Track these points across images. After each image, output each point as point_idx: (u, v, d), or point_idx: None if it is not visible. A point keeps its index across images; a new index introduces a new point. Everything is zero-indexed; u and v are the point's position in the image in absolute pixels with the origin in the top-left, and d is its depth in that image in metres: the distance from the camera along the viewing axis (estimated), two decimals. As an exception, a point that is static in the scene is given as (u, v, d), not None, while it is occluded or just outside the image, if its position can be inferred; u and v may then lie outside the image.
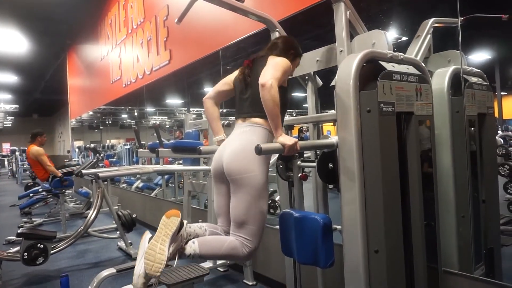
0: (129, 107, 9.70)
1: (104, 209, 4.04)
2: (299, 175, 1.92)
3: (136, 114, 9.44)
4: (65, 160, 10.63)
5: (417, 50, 1.97)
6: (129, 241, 3.80)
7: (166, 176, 5.71)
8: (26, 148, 5.73)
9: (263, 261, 2.91)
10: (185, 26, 3.94)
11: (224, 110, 4.21)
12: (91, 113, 9.88)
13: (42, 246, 3.05)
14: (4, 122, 18.72)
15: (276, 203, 4.08)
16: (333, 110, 1.75)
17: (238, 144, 1.62)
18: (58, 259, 3.67)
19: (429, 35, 2.02)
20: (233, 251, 1.56)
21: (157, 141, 3.46)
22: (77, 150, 11.36)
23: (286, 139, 1.46)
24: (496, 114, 3.47)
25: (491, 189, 2.00)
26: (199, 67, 4.29)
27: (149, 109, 8.24)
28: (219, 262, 2.96)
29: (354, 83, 1.42)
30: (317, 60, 2.04)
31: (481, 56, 2.87)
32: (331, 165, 1.68)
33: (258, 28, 2.87)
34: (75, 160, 10.28)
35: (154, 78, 5.02)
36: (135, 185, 6.46)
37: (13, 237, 4.36)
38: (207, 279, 2.73)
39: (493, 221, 1.99)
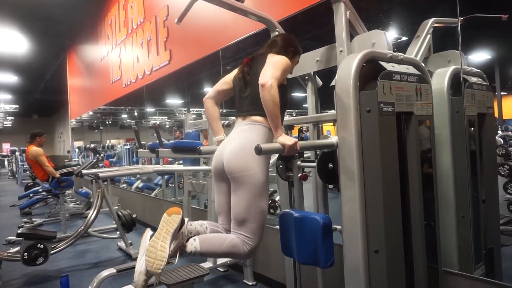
0: (129, 107, 9.70)
1: (104, 209, 4.04)
2: (299, 175, 1.92)
3: (136, 114, 9.44)
4: (65, 160, 10.64)
5: (417, 50, 1.97)
6: (129, 241, 3.80)
7: (166, 176, 5.71)
8: (26, 149, 5.73)
9: (263, 261, 2.91)
10: (185, 26, 3.94)
11: (224, 110, 4.20)
12: (91, 113, 9.87)
13: (42, 246, 3.05)
14: (4, 122, 18.72)
15: (276, 203, 4.08)
16: (333, 110, 1.75)
17: (238, 143, 1.62)
18: (58, 259, 3.68)
19: (429, 35, 2.02)
20: (234, 249, 1.56)
21: (157, 141, 3.46)
22: (77, 150, 11.36)
23: (286, 139, 1.46)
24: (496, 114, 3.47)
25: (491, 189, 2.00)
26: (199, 67, 4.29)
27: (149, 109, 8.24)
28: (219, 262, 2.96)
29: (354, 83, 1.42)
30: (317, 60, 2.04)
31: (481, 56, 2.87)
32: (331, 165, 1.68)
33: (258, 28, 2.87)
34: (75, 160, 10.28)
35: (154, 78, 5.02)
36: (135, 185, 6.46)
37: (13, 237, 4.36)
38: (207, 279, 2.73)
39: (493, 221, 1.99)
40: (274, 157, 2.16)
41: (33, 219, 5.51)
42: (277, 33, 2.06)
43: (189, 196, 3.45)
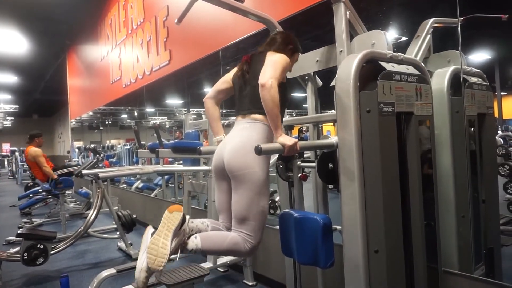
0: (129, 108, 9.69)
1: (104, 210, 4.04)
2: (299, 175, 1.92)
3: (136, 114, 9.43)
4: (65, 161, 10.63)
5: (416, 50, 1.97)
6: (129, 242, 3.80)
7: (166, 177, 5.71)
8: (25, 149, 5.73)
9: (263, 261, 2.91)
10: (185, 27, 3.94)
11: (224, 110, 4.20)
12: (91, 113, 9.87)
13: (42, 246, 3.05)
14: (4, 123, 18.71)
15: (276, 204, 4.08)
16: (333, 110, 1.75)
17: (238, 141, 1.62)
18: (58, 260, 3.67)
19: (428, 35, 2.02)
20: (235, 247, 1.56)
21: (157, 142, 3.46)
22: (77, 150, 11.36)
23: (286, 139, 1.46)
24: (496, 114, 3.47)
25: (491, 189, 2.00)
26: (199, 67, 4.29)
27: (149, 109, 8.24)
28: (219, 262, 2.96)
29: (354, 83, 1.42)
30: (317, 60, 2.04)
31: (480, 56, 2.87)
32: (331, 165, 1.68)
33: (258, 28, 2.87)
34: (75, 161, 10.27)
35: (154, 78, 5.02)
36: (135, 185, 6.46)
37: (13, 238, 4.36)
38: (207, 279, 2.73)
39: (493, 221, 1.99)
40: (274, 157, 2.16)
41: (33, 220, 5.51)
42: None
43: (189, 196, 3.45)
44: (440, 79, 1.87)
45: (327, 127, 5.76)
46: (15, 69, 11.24)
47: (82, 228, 3.48)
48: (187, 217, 1.56)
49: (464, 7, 1.81)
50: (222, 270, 3.16)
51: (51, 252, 3.15)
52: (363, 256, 1.42)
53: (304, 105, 2.37)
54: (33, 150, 5.19)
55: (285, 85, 1.70)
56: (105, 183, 4.09)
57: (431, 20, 2.06)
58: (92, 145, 9.91)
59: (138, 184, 6.46)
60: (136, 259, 3.54)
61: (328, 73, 2.04)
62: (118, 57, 6.37)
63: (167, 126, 10.73)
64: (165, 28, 4.56)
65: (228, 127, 1.79)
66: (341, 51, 1.78)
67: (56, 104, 17.18)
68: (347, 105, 1.43)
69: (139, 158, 6.77)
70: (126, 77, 6.03)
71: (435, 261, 1.64)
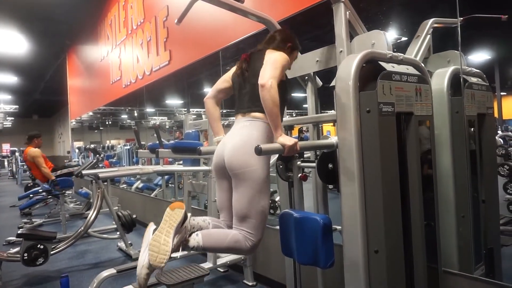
0: (129, 108, 9.69)
1: (104, 210, 4.04)
2: (299, 175, 1.92)
3: (136, 114, 9.43)
4: (65, 161, 10.64)
5: (416, 50, 1.97)
6: (129, 242, 3.80)
7: (166, 177, 5.71)
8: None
9: (263, 261, 2.91)
10: (185, 27, 3.94)
11: (224, 110, 4.21)
12: (91, 113, 9.87)
13: (42, 246, 3.05)
14: (4, 123, 18.72)
15: (276, 204, 4.08)
16: (333, 111, 1.75)
17: (238, 139, 1.62)
18: (58, 260, 3.68)
19: (428, 36, 2.02)
20: (237, 244, 1.56)
21: (157, 142, 3.46)
22: (77, 150, 11.36)
23: (286, 140, 1.46)
24: (496, 114, 3.47)
25: (491, 189, 2.00)
26: (199, 67, 4.29)
27: (149, 109, 8.24)
28: (219, 262, 2.96)
29: (354, 83, 1.42)
30: (317, 61, 2.04)
31: (480, 56, 2.87)
32: (331, 166, 1.68)
33: (257, 28, 2.87)
34: (75, 161, 10.28)
35: (154, 78, 5.02)
36: (135, 185, 6.46)
37: (13, 238, 4.37)
38: (207, 279, 2.73)
39: (493, 221, 1.99)
40: (274, 157, 2.16)
41: (33, 220, 5.52)
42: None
43: (189, 196, 3.45)
44: (440, 79, 1.88)
45: (327, 127, 5.76)
46: (15, 70, 11.24)
47: (82, 228, 3.48)
48: (189, 214, 1.56)
49: (464, 7, 1.81)
50: (222, 270, 3.16)
51: (51, 252, 3.15)
52: (363, 256, 1.42)
53: (304, 105, 2.38)
54: (32, 150, 5.19)
55: (285, 83, 1.70)
56: (105, 183, 4.09)
57: (431, 20, 2.06)
58: (92, 145, 9.91)
59: (138, 184, 6.46)
60: (136, 259, 3.54)
61: (328, 73, 2.04)
62: (118, 57, 6.37)
63: (167, 126, 10.74)
64: (165, 28, 4.56)
65: (228, 127, 1.79)
66: (341, 51, 1.78)
67: (56, 105, 17.18)
68: (347, 105, 1.44)
69: (139, 158, 6.78)
70: (126, 77, 6.03)
71: (435, 261, 1.64)
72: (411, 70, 1.61)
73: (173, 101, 10.17)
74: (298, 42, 1.85)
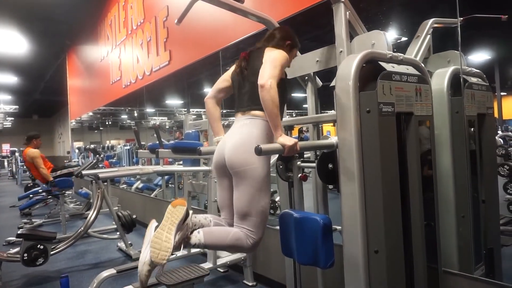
0: (129, 108, 9.70)
1: (104, 210, 4.04)
2: (299, 175, 1.92)
3: (136, 114, 9.44)
4: (65, 161, 10.63)
5: (416, 50, 1.97)
6: (129, 242, 3.80)
7: (166, 177, 5.71)
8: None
9: (263, 261, 2.91)
10: (185, 27, 3.94)
11: (224, 111, 4.21)
12: (91, 114, 9.88)
13: (42, 247, 3.05)
14: (4, 123, 18.72)
15: (276, 204, 4.08)
16: (333, 111, 1.75)
17: (238, 138, 1.62)
18: (58, 260, 3.67)
19: (428, 36, 2.02)
20: (238, 242, 1.57)
21: (157, 142, 3.46)
22: (77, 151, 11.36)
23: (286, 140, 1.46)
24: (496, 115, 3.47)
25: (491, 189, 2.00)
26: (199, 67, 4.29)
27: (149, 109, 8.24)
28: (219, 262, 2.96)
29: (354, 83, 1.42)
30: (317, 61, 2.04)
31: (480, 56, 2.87)
32: (331, 166, 1.68)
33: (257, 29, 2.87)
34: (75, 161, 10.27)
35: (154, 78, 5.02)
36: (135, 185, 6.46)
37: (13, 238, 4.37)
38: (207, 279, 2.73)
39: (493, 221, 1.99)
40: (274, 157, 2.16)
41: (33, 220, 5.52)
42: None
43: (189, 196, 3.45)
44: (440, 79, 1.88)
45: (327, 127, 5.76)
46: (15, 70, 11.25)
47: (82, 228, 3.48)
48: (190, 211, 1.57)
49: (464, 7, 1.81)
50: (222, 271, 3.16)
51: (51, 253, 3.15)
52: (363, 256, 1.42)
53: (304, 105, 2.38)
54: (31, 151, 5.19)
55: (284, 81, 1.70)
56: (105, 183, 4.09)
57: (431, 20, 2.06)
58: (92, 146, 9.90)
59: (138, 184, 6.46)
60: (136, 259, 3.55)
61: (328, 74, 2.05)
62: (118, 57, 6.37)
63: (167, 127, 10.74)
64: (165, 28, 4.56)
65: (228, 127, 1.80)
66: (341, 51, 1.78)
67: (56, 105, 17.18)
68: (347, 105, 1.44)
69: (139, 158, 6.78)
70: (126, 78, 6.03)
71: (435, 261, 1.64)
72: (411, 70, 1.61)
73: (173, 101, 10.17)
74: (297, 40, 1.85)
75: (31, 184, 7.64)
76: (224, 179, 1.71)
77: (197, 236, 1.52)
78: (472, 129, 1.89)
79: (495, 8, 2.14)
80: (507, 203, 3.17)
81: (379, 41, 1.69)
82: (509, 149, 3.31)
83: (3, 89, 13.72)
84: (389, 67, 1.51)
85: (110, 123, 12.40)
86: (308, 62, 2.10)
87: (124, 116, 11.61)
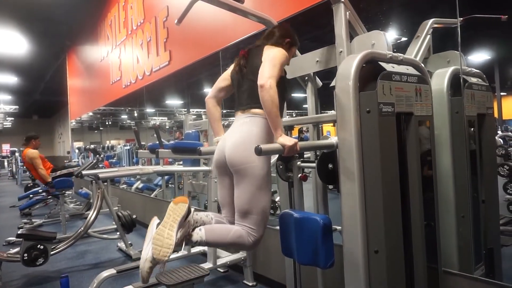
0: (129, 108, 9.70)
1: (104, 210, 4.04)
2: (299, 175, 1.92)
3: (136, 115, 9.44)
4: (65, 161, 10.64)
5: (416, 50, 1.97)
6: (129, 242, 3.80)
7: (166, 177, 5.71)
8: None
9: (263, 261, 2.91)
10: (185, 27, 3.94)
11: (224, 111, 4.21)
12: (91, 114, 9.88)
13: (42, 247, 3.05)
14: (4, 123, 18.72)
15: (276, 204, 4.08)
16: (333, 111, 1.75)
17: (239, 136, 1.63)
18: (58, 260, 3.67)
19: (428, 36, 2.03)
20: (239, 240, 1.57)
21: (157, 142, 3.46)
22: (77, 151, 11.36)
23: (286, 140, 1.46)
24: (496, 115, 3.48)
25: (491, 189, 2.00)
26: (199, 68, 4.29)
27: (149, 110, 8.24)
28: (219, 262, 2.96)
29: (354, 83, 1.42)
30: (317, 61, 2.04)
31: (480, 56, 2.87)
32: (331, 166, 1.68)
33: (257, 29, 2.87)
34: (75, 161, 10.27)
35: (154, 79, 5.02)
36: (135, 186, 6.46)
37: (13, 238, 4.37)
38: (207, 279, 2.73)
39: (493, 221, 1.99)
40: (274, 157, 2.16)
41: (33, 220, 5.51)
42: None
43: (189, 196, 3.45)
44: (440, 79, 1.88)
45: (327, 128, 5.76)
46: (15, 70, 11.25)
47: (82, 228, 3.48)
48: (192, 209, 1.57)
49: (463, 7, 1.81)
50: (222, 271, 3.16)
51: (51, 253, 3.15)
52: (363, 256, 1.42)
53: (304, 106, 2.38)
54: (30, 152, 5.20)
55: (284, 79, 1.71)
56: (105, 183, 4.09)
57: (431, 20, 2.06)
58: (92, 146, 9.90)
59: (138, 184, 6.46)
60: (136, 259, 3.55)
61: (328, 74, 2.05)
62: (118, 57, 6.37)
63: (167, 127, 10.74)
64: (165, 28, 4.56)
65: (228, 127, 1.80)
66: (341, 51, 1.78)
67: (56, 105, 17.18)
68: (347, 105, 1.44)
69: (139, 158, 6.77)
70: (126, 78, 6.03)
71: (435, 261, 1.64)
72: (411, 70, 1.62)
73: (173, 102, 10.17)
74: (297, 37, 1.85)
75: (31, 184, 7.64)
76: (225, 177, 1.71)
77: (199, 234, 1.53)
78: (472, 129, 1.89)
79: (495, 8, 2.14)
80: (507, 203, 3.16)
81: (379, 41, 1.69)
82: (509, 149, 3.31)
83: (3, 89, 13.72)
84: (389, 67, 1.51)
85: (110, 123, 12.40)
86: (308, 62, 2.10)
87: (124, 116, 11.61)
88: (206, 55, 3.75)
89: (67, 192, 5.91)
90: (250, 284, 2.86)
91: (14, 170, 15.14)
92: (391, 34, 2.52)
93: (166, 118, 10.75)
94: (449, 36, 2.04)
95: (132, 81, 5.79)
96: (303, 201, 1.98)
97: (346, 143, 1.46)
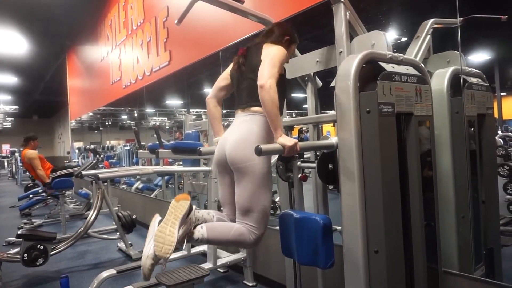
0: (129, 108, 9.70)
1: (104, 210, 4.04)
2: (299, 176, 1.92)
3: (136, 115, 9.45)
4: (65, 161, 10.64)
5: (416, 50, 1.97)
6: (129, 242, 3.80)
7: (166, 177, 5.71)
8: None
9: (263, 262, 2.91)
10: (185, 27, 3.94)
11: (224, 111, 4.21)
12: (91, 114, 9.88)
13: (42, 247, 3.05)
14: (4, 123, 18.72)
15: (276, 204, 4.08)
16: (333, 111, 1.75)
17: (239, 134, 1.63)
18: (58, 260, 3.67)
19: (428, 36, 2.03)
20: (241, 237, 1.57)
21: (157, 142, 3.46)
22: (77, 151, 11.36)
23: (286, 140, 1.46)
24: (496, 115, 3.48)
25: (491, 190, 2.00)
26: (199, 68, 4.29)
27: (149, 110, 8.25)
28: (219, 263, 2.96)
29: (354, 84, 1.42)
30: (317, 61, 2.04)
31: (480, 56, 2.88)
32: (331, 166, 1.68)
33: (257, 29, 2.87)
34: (75, 161, 10.28)
35: (154, 79, 5.02)
36: (135, 186, 6.46)
37: (13, 238, 4.36)
38: (207, 280, 2.73)
39: (493, 222, 1.99)
40: (274, 158, 2.16)
41: (33, 220, 5.51)
42: None
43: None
44: (440, 79, 1.88)
45: (327, 128, 5.76)
46: (15, 70, 11.25)
47: (82, 228, 3.48)
48: (194, 206, 1.57)
49: (463, 7, 1.81)
50: (222, 271, 3.16)
51: (51, 253, 3.15)
52: (363, 256, 1.42)
53: (304, 106, 2.38)
54: (29, 152, 5.21)
55: (283, 77, 1.71)
56: (105, 183, 4.09)
57: (431, 20, 2.06)
58: (92, 146, 9.91)
59: (138, 184, 6.46)
60: (136, 259, 3.55)
61: (328, 74, 2.05)
62: (118, 57, 6.37)
63: (167, 127, 10.75)
64: (165, 28, 4.56)
65: (228, 127, 1.80)
66: (341, 51, 1.78)
67: (56, 105, 17.18)
68: (347, 105, 1.44)
69: (139, 158, 6.78)
70: (126, 78, 6.03)
71: (435, 262, 1.64)
72: (411, 70, 1.62)
73: (173, 102, 10.18)
74: (296, 35, 1.85)
75: (31, 184, 7.65)
76: (225, 176, 1.72)
77: (200, 231, 1.53)
78: (472, 129, 1.89)
79: (495, 8, 2.14)
80: (507, 203, 3.17)
81: (379, 42, 1.69)
82: (509, 149, 3.31)
83: (3, 89, 13.72)
84: (389, 67, 1.51)
85: (110, 123, 12.41)
86: (308, 63, 2.10)
87: (124, 117, 11.62)
88: (206, 55, 3.75)
89: (67, 192, 5.91)
90: (250, 284, 2.86)
91: (14, 170, 15.14)
92: (391, 34, 2.52)
93: (166, 118, 10.76)
94: (449, 36, 2.05)
95: (132, 81, 5.79)
96: (303, 201, 1.98)
97: (346, 143, 1.46)
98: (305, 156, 2.19)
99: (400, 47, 2.19)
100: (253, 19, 2.07)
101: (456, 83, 1.86)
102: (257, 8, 2.17)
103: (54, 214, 5.68)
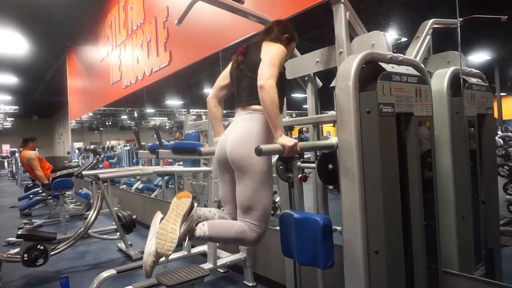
0: (129, 108, 9.70)
1: (104, 210, 4.04)
2: (299, 176, 1.92)
3: (136, 115, 9.44)
4: (65, 162, 10.63)
5: (416, 51, 1.97)
6: (129, 242, 3.80)
7: (166, 177, 5.71)
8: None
9: (263, 262, 2.91)
10: (185, 28, 3.94)
11: (224, 111, 4.21)
12: (91, 114, 9.88)
13: (42, 247, 3.05)
14: (4, 124, 18.72)
15: (276, 204, 4.08)
16: (333, 111, 1.75)
17: (239, 132, 1.63)
18: (58, 261, 3.67)
19: (428, 36, 2.03)
20: (242, 235, 1.58)
21: (157, 142, 3.46)
22: (77, 151, 11.37)
23: (286, 140, 1.46)
24: (496, 115, 3.48)
25: (491, 190, 2.00)
26: (199, 68, 4.29)
27: (149, 110, 8.25)
28: (219, 263, 2.96)
29: (354, 84, 1.42)
30: (317, 61, 2.04)
31: (480, 57, 2.88)
32: (331, 166, 1.68)
33: (257, 29, 2.86)
34: (75, 161, 10.28)
35: (154, 79, 5.03)
36: (135, 186, 6.46)
37: (13, 239, 4.37)
38: (207, 280, 2.73)
39: (493, 222, 1.99)
40: (274, 158, 2.16)
41: (33, 220, 5.52)
42: None
43: (189, 197, 3.44)
44: (440, 80, 1.88)
45: (327, 128, 5.76)
46: (15, 70, 11.25)
47: (82, 229, 3.48)
48: (195, 204, 1.57)
49: (463, 7, 1.81)
50: (222, 271, 3.16)
51: (51, 253, 3.15)
52: (363, 256, 1.42)
53: (304, 106, 2.38)
54: (28, 153, 5.24)
55: (283, 74, 1.71)
56: (105, 184, 4.09)
57: (431, 21, 2.06)
58: (92, 146, 9.91)
59: (138, 185, 6.46)
60: (136, 259, 3.55)
61: (328, 74, 2.05)
62: (118, 58, 6.38)
63: (167, 127, 10.74)
64: (165, 29, 4.57)
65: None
66: (341, 52, 1.78)
67: (56, 105, 17.18)
68: (347, 106, 1.44)
69: (139, 159, 6.77)
70: (126, 78, 6.03)
71: (435, 262, 1.64)
72: (411, 70, 1.62)
73: (173, 102, 10.17)
74: (295, 33, 1.85)
75: (31, 184, 7.65)
76: (226, 174, 1.72)
77: (202, 229, 1.53)
78: (472, 129, 1.89)
79: (495, 8, 2.14)
80: (507, 203, 3.16)
81: (379, 42, 1.69)
82: (509, 149, 3.31)
83: (3, 89, 13.72)
84: (389, 67, 1.51)
85: (110, 123, 12.41)
86: (308, 63, 2.10)
87: (124, 117, 11.62)
88: (206, 56, 3.75)
89: (67, 193, 5.91)
90: (250, 284, 2.86)
91: (14, 170, 15.14)
92: (391, 35, 2.52)
93: (166, 118, 10.75)
94: (449, 37, 2.05)
95: (132, 82, 5.80)
96: (303, 202, 1.98)
97: (346, 144, 1.46)
98: (305, 156, 2.19)
99: (400, 47, 2.19)
100: (253, 19, 2.07)
101: (456, 83, 1.86)
102: (257, 8, 2.17)
103: (54, 214, 5.69)
